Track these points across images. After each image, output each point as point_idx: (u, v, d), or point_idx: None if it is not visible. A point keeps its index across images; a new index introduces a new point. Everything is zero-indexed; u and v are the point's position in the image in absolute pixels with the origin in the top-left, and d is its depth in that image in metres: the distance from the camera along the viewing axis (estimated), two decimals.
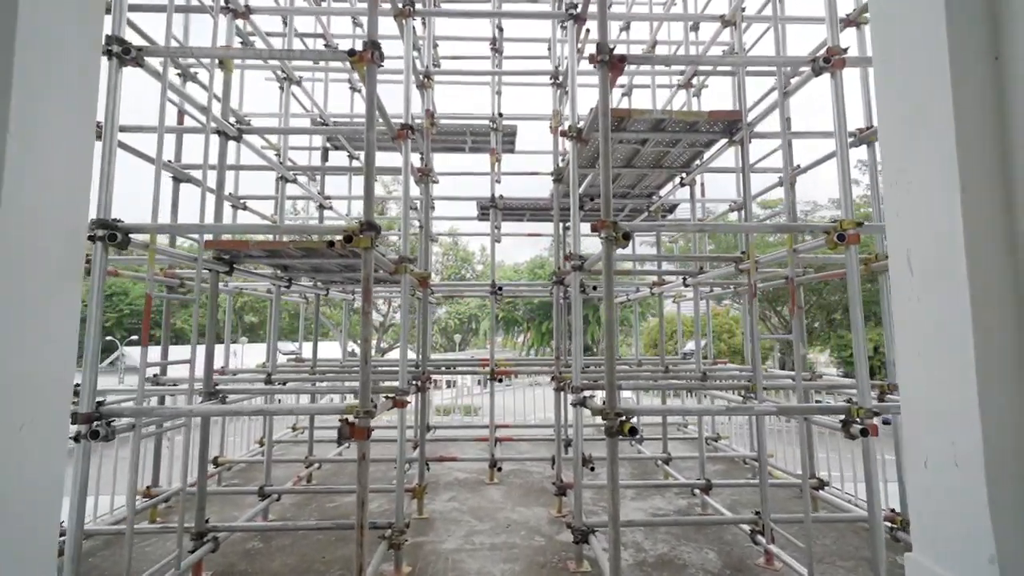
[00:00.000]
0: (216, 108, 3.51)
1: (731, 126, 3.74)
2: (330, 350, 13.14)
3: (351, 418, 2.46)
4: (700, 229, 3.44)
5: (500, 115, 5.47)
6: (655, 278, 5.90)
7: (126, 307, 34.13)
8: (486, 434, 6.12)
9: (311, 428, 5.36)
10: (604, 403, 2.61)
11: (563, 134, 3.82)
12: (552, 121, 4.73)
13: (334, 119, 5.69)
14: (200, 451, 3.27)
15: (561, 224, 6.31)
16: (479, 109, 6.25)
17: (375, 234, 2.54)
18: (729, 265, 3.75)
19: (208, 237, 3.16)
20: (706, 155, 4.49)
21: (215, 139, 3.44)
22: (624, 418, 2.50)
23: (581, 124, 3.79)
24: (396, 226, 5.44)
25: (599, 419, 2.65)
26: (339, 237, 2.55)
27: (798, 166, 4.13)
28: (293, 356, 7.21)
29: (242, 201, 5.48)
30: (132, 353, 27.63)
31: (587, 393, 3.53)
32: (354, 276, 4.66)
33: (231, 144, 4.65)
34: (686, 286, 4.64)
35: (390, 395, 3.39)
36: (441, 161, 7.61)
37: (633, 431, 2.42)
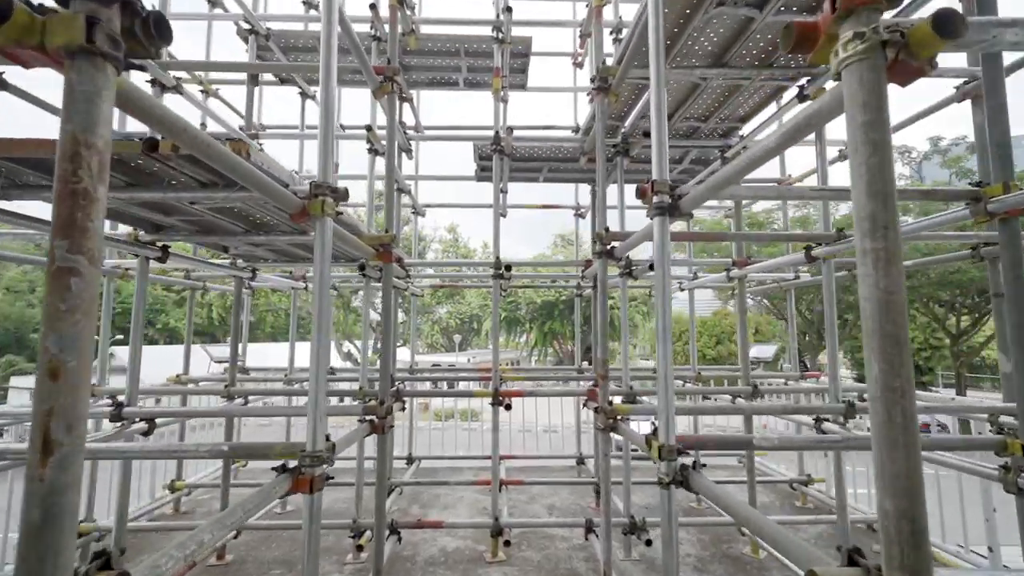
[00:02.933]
0: None
1: None
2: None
3: None
4: None
5: (509, 10, 3.67)
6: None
7: (117, 305, 32.88)
8: (486, 469, 4.41)
9: (225, 470, 3.56)
10: (849, 553, 0.86)
11: None
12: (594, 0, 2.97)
13: (272, 26, 3.93)
14: None
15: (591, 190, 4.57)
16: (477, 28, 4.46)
17: (131, 19, 0.78)
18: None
19: None
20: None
21: None
22: None
23: None
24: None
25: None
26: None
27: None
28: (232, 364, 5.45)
29: None
30: (120, 353, 26.14)
31: (687, 458, 1.76)
32: (270, 245, 2.92)
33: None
34: (811, 259, 2.89)
35: (286, 462, 1.63)
36: (426, 114, 5.77)
37: None
